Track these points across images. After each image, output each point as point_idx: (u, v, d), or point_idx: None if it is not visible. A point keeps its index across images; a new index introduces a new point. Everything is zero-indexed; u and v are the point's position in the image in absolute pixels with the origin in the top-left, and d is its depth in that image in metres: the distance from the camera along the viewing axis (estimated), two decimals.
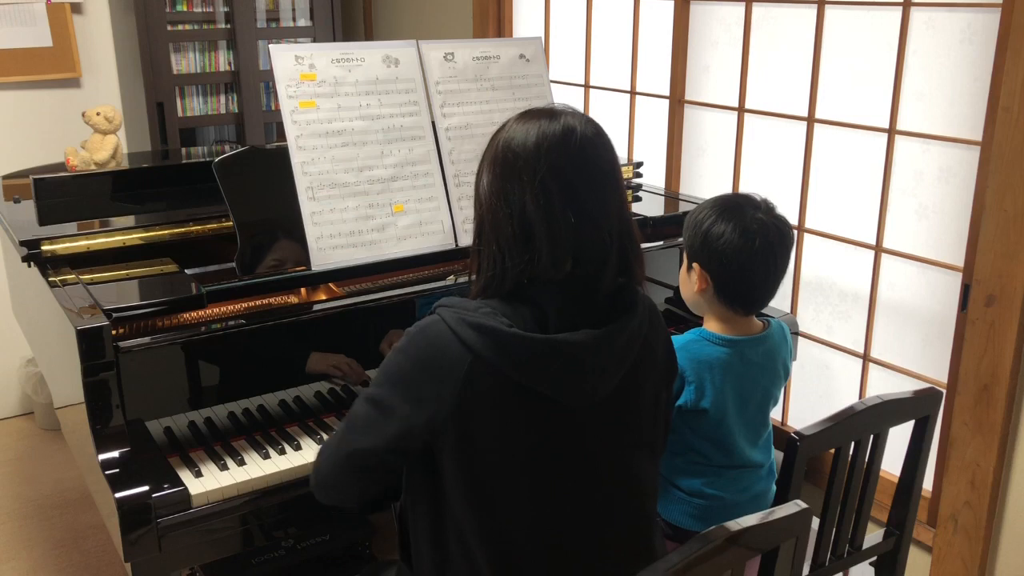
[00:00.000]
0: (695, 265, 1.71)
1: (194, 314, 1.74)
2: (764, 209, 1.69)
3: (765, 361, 1.76)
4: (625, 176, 2.63)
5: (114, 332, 1.63)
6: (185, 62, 3.45)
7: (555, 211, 1.26)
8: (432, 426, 1.26)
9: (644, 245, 2.21)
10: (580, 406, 1.31)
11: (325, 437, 1.78)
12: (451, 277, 1.98)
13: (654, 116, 2.83)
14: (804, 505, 1.28)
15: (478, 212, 1.34)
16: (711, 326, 1.75)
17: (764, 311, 2.04)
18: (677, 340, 1.73)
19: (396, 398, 1.29)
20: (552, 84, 2.37)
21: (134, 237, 1.97)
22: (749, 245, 1.65)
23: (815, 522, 1.60)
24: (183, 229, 2.01)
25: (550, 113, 1.31)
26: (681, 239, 2.24)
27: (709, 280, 1.70)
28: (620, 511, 1.38)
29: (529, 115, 1.32)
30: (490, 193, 1.30)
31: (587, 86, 3.06)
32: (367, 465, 1.36)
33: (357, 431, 1.35)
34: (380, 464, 1.34)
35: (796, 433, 1.54)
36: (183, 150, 3.36)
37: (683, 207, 2.41)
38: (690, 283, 1.74)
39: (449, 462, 1.28)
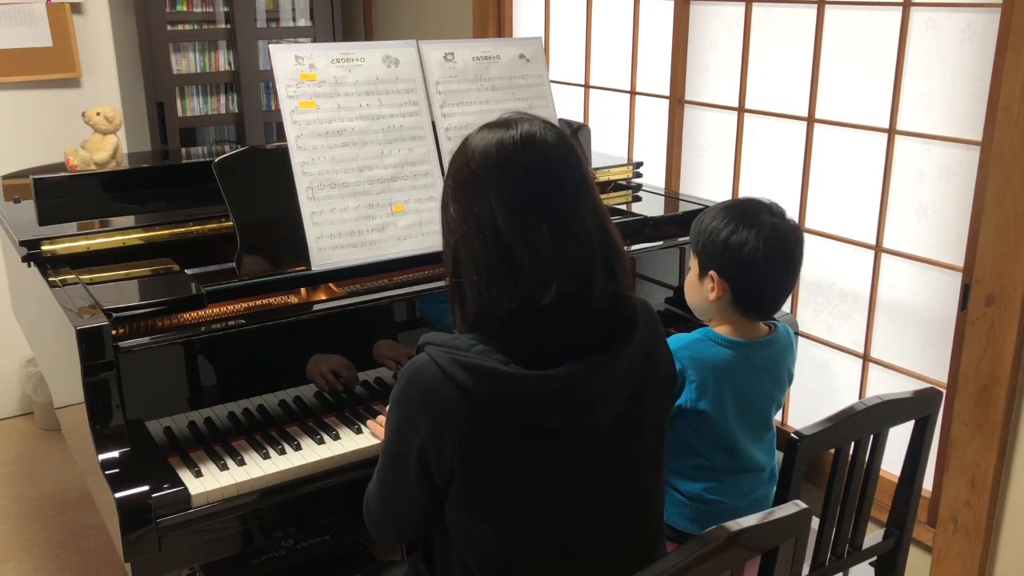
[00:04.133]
0: (712, 273, 1.69)
1: (194, 314, 1.74)
2: (777, 213, 1.69)
3: (770, 365, 1.75)
4: (625, 176, 2.64)
5: (114, 332, 1.63)
6: (185, 62, 3.45)
7: (528, 224, 1.21)
8: (441, 468, 1.26)
9: (644, 245, 2.25)
10: (585, 434, 1.29)
11: (325, 437, 1.78)
12: None
13: (654, 116, 2.83)
14: (804, 505, 1.28)
15: (450, 241, 1.29)
16: (720, 328, 1.73)
17: None
18: (682, 338, 1.72)
19: (406, 449, 1.28)
20: (552, 84, 2.37)
21: (134, 237, 1.97)
22: (773, 252, 1.64)
23: (815, 522, 1.59)
24: (183, 229, 2.01)
25: (506, 123, 1.27)
26: (682, 239, 2.25)
27: (727, 288, 1.68)
28: (628, 529, 1.37)
29: (485, 129, 1.28)
30: (459, 219, 1.26)
31: (587, 86, 3.06)
32: (410, 513, 1.35)
33: (388, 486, 1.36)
34: (422, 507, 1.33)
35: (796, 433, 1.54)
36: (183, 150, 3.36)
37: (683, 207, 2.41)
38: (703, 291, 1.72)
39: (453, 497, 1.28)
